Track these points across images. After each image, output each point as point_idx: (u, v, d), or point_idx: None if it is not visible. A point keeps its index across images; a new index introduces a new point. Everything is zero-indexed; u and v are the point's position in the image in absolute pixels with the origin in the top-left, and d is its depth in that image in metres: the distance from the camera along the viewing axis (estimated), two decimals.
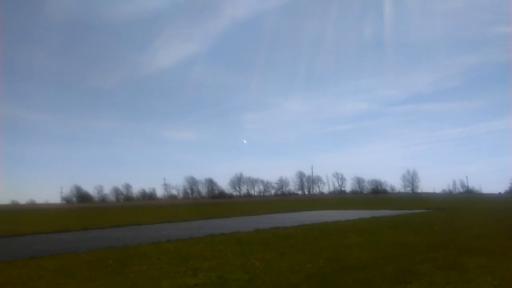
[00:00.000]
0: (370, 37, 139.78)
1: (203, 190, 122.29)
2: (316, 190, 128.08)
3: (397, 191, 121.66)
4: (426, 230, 16.16)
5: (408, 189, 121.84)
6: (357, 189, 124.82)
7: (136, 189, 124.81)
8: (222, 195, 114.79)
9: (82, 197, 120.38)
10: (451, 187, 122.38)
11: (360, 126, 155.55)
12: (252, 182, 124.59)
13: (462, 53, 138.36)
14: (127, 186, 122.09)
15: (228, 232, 16.71)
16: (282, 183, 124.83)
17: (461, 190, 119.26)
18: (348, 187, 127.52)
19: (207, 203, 76.78)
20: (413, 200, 66.60)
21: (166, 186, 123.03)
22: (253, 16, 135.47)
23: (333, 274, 8.19)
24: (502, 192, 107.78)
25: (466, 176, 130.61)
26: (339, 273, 8.32)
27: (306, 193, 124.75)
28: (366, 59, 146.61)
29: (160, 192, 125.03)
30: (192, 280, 7.96)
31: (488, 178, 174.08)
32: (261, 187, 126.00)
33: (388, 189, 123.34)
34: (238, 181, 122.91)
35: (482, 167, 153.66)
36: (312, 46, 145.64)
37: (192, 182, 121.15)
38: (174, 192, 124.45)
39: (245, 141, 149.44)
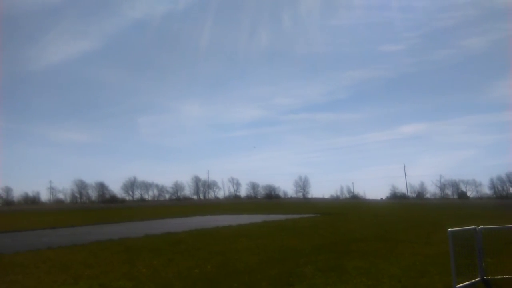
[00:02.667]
0: (267, 47, 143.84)
1: (93, 194, 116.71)
2: (211, 195, 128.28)
3: (289, 196, 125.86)
4: (312, 234, 16.91)
5: (300, 195, 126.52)
6: (252, 194, 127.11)
7: (17, 193, 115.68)
8: (113, 199, 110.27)
9: None
10: (338, 193, 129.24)
11: (256, 132, 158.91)
12: (146, 186, 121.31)
13: (352, 68, 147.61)
14: (7, 190, 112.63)
15: (116, 239, 16.12)
16: (177, 187, 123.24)
17: (348, 195, 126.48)
18: (243, 192, 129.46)
19: (97, 208, 73.35)
20: (303, 205, 69.34)
21: (51, 189, 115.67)
22: (152, 17, 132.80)
23: (220, 279, 8.26)
24: (384, 198, 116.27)
25: (352, 183, 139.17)
26: (225, 277, 8.41)
27: (202, 197, 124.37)
28: (263, 68, 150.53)
29: (45, 196, 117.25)
30: None
31: (372, 185, 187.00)
32: (156, 192, 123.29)
33: (281, 194, 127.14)
34: (131, 185, 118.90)
35: (367, 175, 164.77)
36: (211, 52, 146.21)
37: (81, 185, 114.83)
38: (61, 196, 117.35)
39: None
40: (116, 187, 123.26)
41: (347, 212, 38.00)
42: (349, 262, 9.80)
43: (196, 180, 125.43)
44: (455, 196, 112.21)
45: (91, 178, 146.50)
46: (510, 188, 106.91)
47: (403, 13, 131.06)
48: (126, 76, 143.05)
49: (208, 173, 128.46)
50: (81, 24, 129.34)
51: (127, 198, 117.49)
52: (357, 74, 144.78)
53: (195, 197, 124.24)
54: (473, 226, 7.56)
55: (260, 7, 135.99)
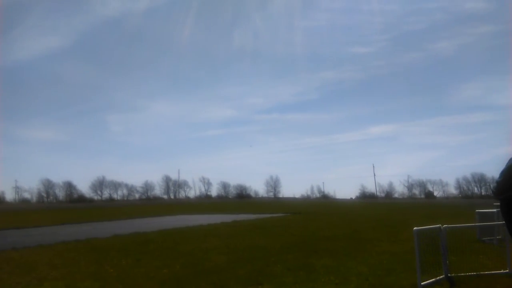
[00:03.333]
0: (240, 47, 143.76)
1: (61, 194, 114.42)
2: (182, 194, 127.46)
3: (260, 196, 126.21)
4: (282, 233, 16.99)
5: (271, 194, 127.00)
6: (223, 193, 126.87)
7: None
8: (81, 199, 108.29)
9: None
10: (309, 192, 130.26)
11: (228, 132, 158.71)
12: (115, 186, 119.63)
13: (323, 69, 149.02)
14: None
15: (84, 239, 15.82)
16: (147, 187, 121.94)
17: (318, 195, 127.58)
18: (214, 191, 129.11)
19: (64, 208, 71.75)
20: (274, 204, 69.60)
21: (17, 189, 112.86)
22: (123, 14, 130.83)
23: (188, 278, 8.21)
24: (353, 198, 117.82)
25: (323, 182, 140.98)
26: (194, 277, 8.36)
27: (172, 197, 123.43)
28: (236, 67, 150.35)
29: (10, 196, 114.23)
30: None
31: (342, 185, 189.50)
32: (125, 191, 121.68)
33: (253, 194, 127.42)
34: (100, 184, 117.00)
35: (337, 175, 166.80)
36: (183, 51, 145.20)
37: (48, 185, 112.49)
38: (27, 195, 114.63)
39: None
40: (84, 187, 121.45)
41: (317, 211, 38.31)
42: (317, 261, 9.89)
43: (167, 180, 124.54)
44: (422, 196, 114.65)
45: (58, 177, 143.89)
46: (475, 188, 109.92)
47: (374, 17, 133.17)
48: (96, 74, 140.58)
49: (179, 173, 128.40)
50: (50, 19, 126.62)
51: (96, 197, 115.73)
52: (328, 75, 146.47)
53: (165, 196, 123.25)
54: (438, 225, 7.73)
55: (233, 7, 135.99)
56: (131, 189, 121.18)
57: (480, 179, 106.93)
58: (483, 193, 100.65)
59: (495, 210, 12.53)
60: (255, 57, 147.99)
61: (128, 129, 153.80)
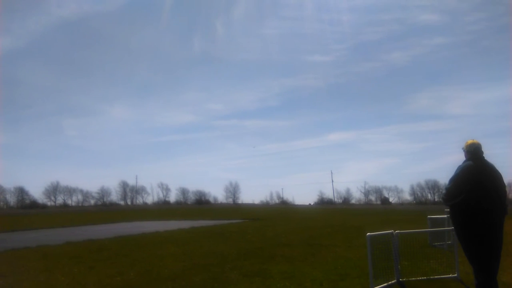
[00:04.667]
0: (200, 52, 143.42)
1: (12, 199, 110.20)
2: (140, 200, 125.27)
3: (219, 202, 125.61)
4: (239, 240, 16.96)
5: (230, 200, 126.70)
6: (182, 199, 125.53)
7: None
8: (34, 205, 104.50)
9: None
10: (268, 199, 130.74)
11: (187, 137, 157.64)
12: (70, 191, 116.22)
13: (283, 76, 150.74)
14: None
15: (34, 246, 15.29)
16: (104, 193, 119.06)
17: (277, 201, 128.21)
18: (173, 197, 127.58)
19: (15, 214, 69.14)
20: (233, 210, 69.46)
21: None
22: (80, 16, 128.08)
23: (143, 286, 8.08)
24: (312, 204, 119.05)
25: (282, 188, 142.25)
26: (148, 284, 8.22)
27: (129, 203, 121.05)
28: (196, 73, 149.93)
29: None
30: None
31: (300, 191, 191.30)
32: (80, 197, 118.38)
33: (212, 200, 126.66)
34: (53, 190, 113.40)
35: (296, 181, 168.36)
36: (142, 55, 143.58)
37: None
38: None
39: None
40: (37, 192, 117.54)
41: (276, 218, 38.48)
42: (274, 267, 9.92)
43: (124, 185, 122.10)
44: (378, 202, 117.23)
45: (9, 182, 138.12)
46: (429, 195, 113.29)
47: (332, 26, 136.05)
48: (52, 77, 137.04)
49: (136, 178, 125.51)
50: (3, 20, 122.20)
51: (49, 203, 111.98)
52: (287, 82, 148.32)
53: (122, 202, 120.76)
54: (390, 231, 7.90)
55: (194, 11, 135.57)
56: (86, 195, 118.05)
57: (433, 186, 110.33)
58: (436, 200, 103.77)
59: (445, 216, 12.92)
60: (215, 62, 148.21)
61: (84, 133, 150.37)
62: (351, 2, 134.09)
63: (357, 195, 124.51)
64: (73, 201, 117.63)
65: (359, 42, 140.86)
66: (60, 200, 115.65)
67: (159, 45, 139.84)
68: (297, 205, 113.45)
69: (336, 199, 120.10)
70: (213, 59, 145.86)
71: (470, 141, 6.28)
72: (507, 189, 6.35)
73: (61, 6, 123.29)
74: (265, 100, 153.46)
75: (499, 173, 6.08)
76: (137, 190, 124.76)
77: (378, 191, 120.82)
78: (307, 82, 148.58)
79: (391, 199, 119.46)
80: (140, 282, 8.45)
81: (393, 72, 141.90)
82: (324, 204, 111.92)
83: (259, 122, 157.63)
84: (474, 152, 6.14)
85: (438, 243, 12.68)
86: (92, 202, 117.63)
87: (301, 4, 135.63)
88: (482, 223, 5.74)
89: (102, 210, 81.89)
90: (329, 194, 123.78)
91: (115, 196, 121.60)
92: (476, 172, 5.92)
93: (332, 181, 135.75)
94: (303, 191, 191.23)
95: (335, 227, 24.24)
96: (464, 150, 6.32)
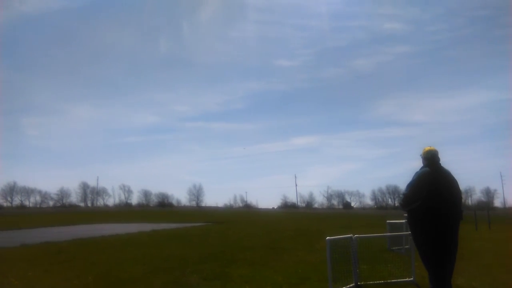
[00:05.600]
0: (166, 53, 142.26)
1: None
2: (100, 202, 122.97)
3: (183, 205, 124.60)
4: (201, 243, 16.87)
5: (193, 203, 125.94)
6: (144, 202, 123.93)
7: None
8: None
9: None
10: (232, 202, 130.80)
11: (151, 139, 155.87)
12: (28, 192, 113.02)
13: (249, 80, 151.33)
14: None
15: None
16: (63, 194, 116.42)
17: (241, 204, 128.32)
18: (135, 200, 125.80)
19: None
20: (196, 213, 69.01)
21: None
22: (43, 13, 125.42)
23: None
24: (275, 207, 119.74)
25: (246, 192, 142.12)
26: None
27: (90, 205, 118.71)
28: (161, 74, 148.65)
29: None
30: None
31: (264, 194, 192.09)
32: (38, 198, 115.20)
33: (175, 202, 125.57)
34: (10, 190, 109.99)
35: (260, 184, 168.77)
36: (106, 54, 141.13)
37: None
38: None
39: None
40: None
41: (239, 221, 38.50)
42: (234, 270, 9.90)
43: (84, 187, 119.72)
44: (341, 206, 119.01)
45: None
46: (389, 199, 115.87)
47: (299, 31, 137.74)
48: (11, 74, 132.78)
49: (97, 180, 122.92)
50: None
51: (5, 204, 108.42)
52: (253, 85, 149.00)
53: (82, 204, 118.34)
54: (349, 235, 8.03)
55: (161, 12, 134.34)
56: (44, 196, 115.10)
57: (394, 191, 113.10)
58: (396, 204, 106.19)
59: (404, 221, 13.21)
60: (181, 64, 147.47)
61: (44, 133, 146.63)
62: (318, 8, 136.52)
63: (320, 199, 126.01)
64: (30, 202, 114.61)
65: (325, 48, 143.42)
66: (17, 201, 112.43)
67: (124, 44, 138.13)
68: (261, 208, 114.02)
69: (299, 203, 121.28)
70: (179, 61, 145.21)
71: (427, 148, 6.46)
72: (462, 195, 6.56)
73: (24, 2, 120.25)
74: (231, 103, 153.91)
75: (455, 179, 6.28)
76: (98, 192, 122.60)
77: (340, 195, 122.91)
78: (273, 86, 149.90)
79: (353, 204, 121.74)
80: (98, 286, 8.29)
81: (358, 78, 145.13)
82: (288, 208, 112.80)
83: (225, 125, 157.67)
84: (431, 159, 6.32)
85: (396, 248, 12.95)
86: (51, 203, 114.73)
87: (269, 8, 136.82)
88: (438, 228, 5.92)
89: (61, 212, 79.78)
90: (292, 198, 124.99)
91: (75, 198, 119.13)
92: (432, 178, 6.10)
93: (296, 185, 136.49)
94: (267, 195, 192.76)
95: (298, 230, 24.43)
96: (421, 157, 6.49)
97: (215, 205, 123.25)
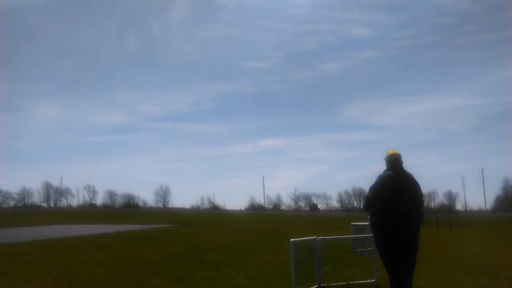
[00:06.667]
0: (134, 52, 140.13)
1: None
2: (64, 203, 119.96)
3: (149, 206, 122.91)
4: (166, 245, 16.69)
5: (160, 204, 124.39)
6: (109, 202, 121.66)
7: None
8: None
9: None
10: (199, 203, 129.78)
11: (117, 139, 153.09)
12: None
13: (218, 81, 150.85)
14: None
15: None
16: (25, 194, 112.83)
17: (208, 206, 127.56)
18: (100, 200, 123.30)
19: None
20: (162, 214, 68.32)
21: None
22: (7, 7, 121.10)
23: None
24: (242, 209, 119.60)
25: (213, 193, 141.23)
26: None
27: (52, 206, 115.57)
28: (129, 73, 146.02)
29: None
30: None
31: (232, 196, 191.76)
32: None
33: (141, 203, 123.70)
34: None
35: (227, 186, 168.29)
36: (72, 51, 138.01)
37: None
38: None
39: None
40: None
41: (205, 222, 38.33)
42: (199, 272, 9.83)
43: (47, 187, 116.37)
44: (307, 208, 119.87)
45: None
46: (355, 202, 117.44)
47: (268, 33, 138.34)
48: None
49: (61, 179, 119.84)
50: None
51: None
52: (222, 87, 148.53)
53: (45, 205, 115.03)
54: (313, 237, 8.08)
55: (129, 10, 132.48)
56: (5, 195, 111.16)
57: (360, 194, 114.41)
58: (361, 207, 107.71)
59: (367, 223, 13.40)
60: (149, 63, 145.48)
61: (5, 130, 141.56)
62: (288, 11, 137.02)
63: (287, 201, 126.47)
64: None
65: (294, 51, 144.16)
66: None
67: (90, 42, 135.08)
68: (228, 210, 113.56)
69: (266, 205, 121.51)
70: (147, 60, 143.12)
71: (391, 152, 6.56)
72: (424, 198, 6.69)
73: None
74: (200, 104, 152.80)
75: (417, 182, 6.40)
76: (62, 192, 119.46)
77: (307, 197, 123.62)
78: (242, 87, 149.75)
79: (319, 206, 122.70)
80: None
81: (326, 82, 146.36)
82: (255, 210, 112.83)
83: (193, 126, 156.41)
84: (394, 162, 6.42)
85: (360, 249, 13.12)
86: (12, 203, 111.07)
87: (239, 10, 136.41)
88: (399, 231, 6.01)
89: (22, 212, 77.50)
90: (260, 199, 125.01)
91: (37, 198, 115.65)
92: (395, 181, 6.19)
93: (264, 187, 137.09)
94: (234, 196, 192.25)
95: (264, 232, 24.49)
96: (385, 160, 6.59)
97: (182, 207, 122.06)
